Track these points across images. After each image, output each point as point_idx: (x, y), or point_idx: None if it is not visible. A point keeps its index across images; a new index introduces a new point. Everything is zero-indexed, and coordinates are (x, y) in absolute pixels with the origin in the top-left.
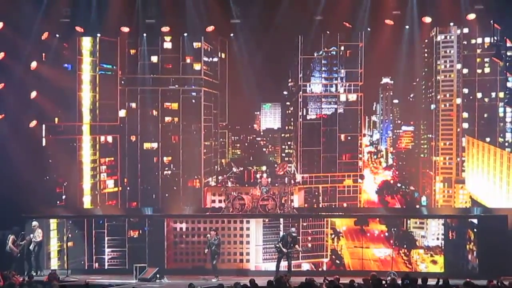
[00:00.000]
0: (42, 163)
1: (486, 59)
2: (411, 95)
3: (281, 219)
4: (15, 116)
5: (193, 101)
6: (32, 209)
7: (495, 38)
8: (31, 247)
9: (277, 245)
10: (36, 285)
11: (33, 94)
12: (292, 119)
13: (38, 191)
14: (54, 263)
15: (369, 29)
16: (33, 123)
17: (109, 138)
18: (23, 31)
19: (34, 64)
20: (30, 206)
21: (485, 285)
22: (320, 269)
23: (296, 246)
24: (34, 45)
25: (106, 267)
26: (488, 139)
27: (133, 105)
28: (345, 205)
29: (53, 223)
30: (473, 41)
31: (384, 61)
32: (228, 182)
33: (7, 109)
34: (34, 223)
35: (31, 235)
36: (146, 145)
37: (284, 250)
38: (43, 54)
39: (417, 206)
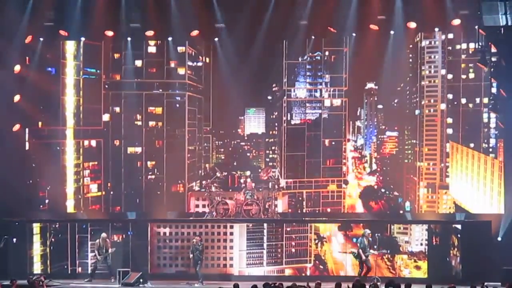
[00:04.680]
0: (25, 167)
1: (471, 65)
2: (396, 101)
3: (265, 224)
4: None
5: (177, 105)
6: (15, 213)
7: (480, 43)
8: (99, 257)
9: (355, 252)
10: None
11: (17, 97)
12: (276, 124)
13: (21, 195)
14: (37, 268)
15: (354, 34)
16: (16, 127)
17: (93, 142)
18: (6, 34)
19: (17, 68)
20: (13, 210)
21: None
22: (303, 274)
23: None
24: (18, 49)
25: (89, 271)
26: (472, 145)
27: (117, 109)
28: (329, 210)
29: (36, 227)
30: (457, 47)
31: (369, 66)
32: (212, 187)
33: None
34: (103, 234)
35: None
36: (130, 150)
37: (363, 256)
38: (27, 57)
39: (401, 212)
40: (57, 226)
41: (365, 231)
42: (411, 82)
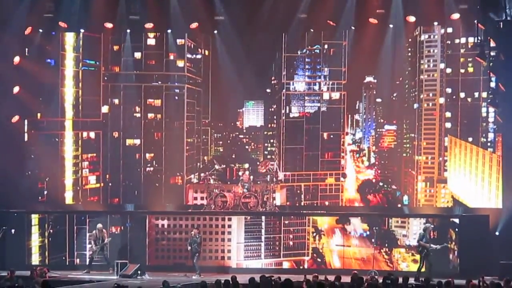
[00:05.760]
0: (24, 158)
1: (470, 59)
2: (394, 94)
3: (263, 217)
4: None
5: (176, 98)
6: (14, 204)
7: (479, 38)
8: (95, 247)
9: (420, 244)
10: (18, 280)
11: (16, 89)
12: (275, 117)
13: (20, 186)
14: (35, 259)
15: (353, 27)
16: (15, 118)
17: (92, 134)
18: (6, 26)
19: (17, 59)
20: (12, 201)
21: (465, 285)
22: (301, 267)
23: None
24: (17, 40)
25: (87, 263)
26: (470, 139)
27: (116, 101)
28: (327, 203)
29: (34, 218)
30: (456, 41)
31: (368, 60)
32: (210, 179)
33: None
34: (99, 225)
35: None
36: (129, 142)
37: (433, 246)
38: (26, 49)
39: (399, 205)
40: (51, 217)
41: (427, 226)
42: (410, 76)
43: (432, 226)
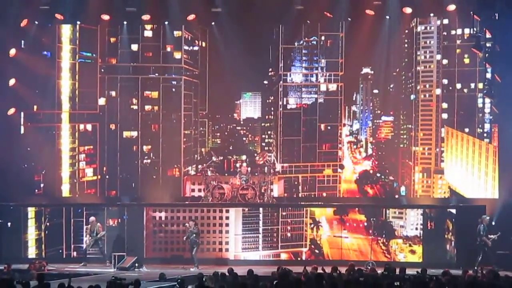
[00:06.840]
0: (21, 151)
1: (466, 50)
2: (391, 86)
3: (261, 209)
4: None
5: (173, 90)
6: (10, 197)
7: (475, 29)
8: (89, 241)
9: (482, 239)
10: (14, 273)
11: (12, 81)
12: (272, 109)
13: (16, 179)
14: (31, 252)
15: (349, 19)
16: (11, 111)
17: (89, 127)
18: (1, 18)
19: (12, 52)
20: (8, 194)
21: (461, 275)
22: (299, 259)
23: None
24: (13, 32)
25: (84, 256)
26: (467, 130)
27: (113, 93)
28: (324, 194)
29: (31, 211)
30: (453, 32)
31: (365, 51)
32: (208, 171)
33: None
34: (92, 218)
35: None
36: (126, 134)
37: (491, 237)
38: (22, 41)
39: (396, 196)
40: (48, 210)
41: (484, 217)
42: (406, 67)
43: (488, 217)
